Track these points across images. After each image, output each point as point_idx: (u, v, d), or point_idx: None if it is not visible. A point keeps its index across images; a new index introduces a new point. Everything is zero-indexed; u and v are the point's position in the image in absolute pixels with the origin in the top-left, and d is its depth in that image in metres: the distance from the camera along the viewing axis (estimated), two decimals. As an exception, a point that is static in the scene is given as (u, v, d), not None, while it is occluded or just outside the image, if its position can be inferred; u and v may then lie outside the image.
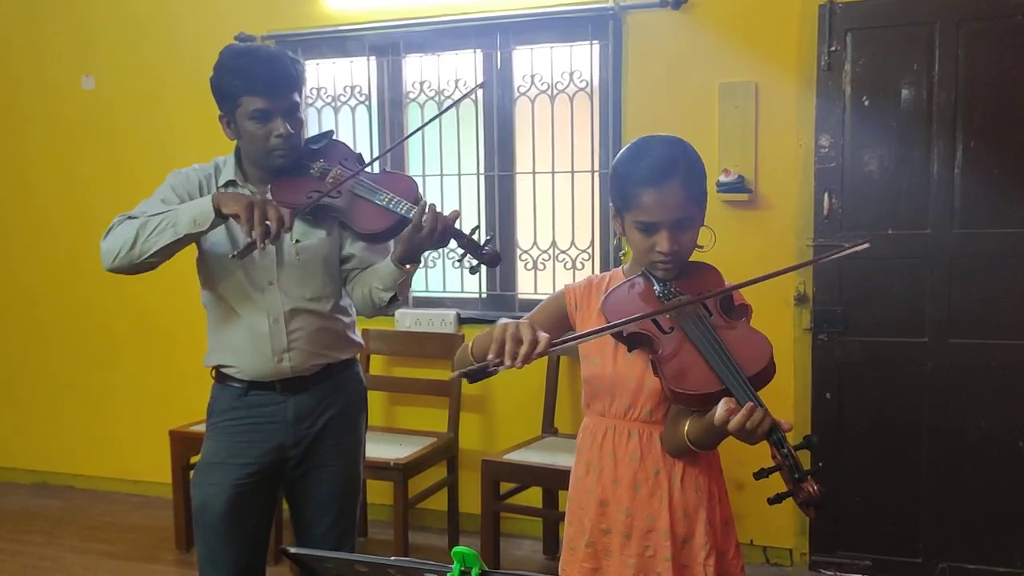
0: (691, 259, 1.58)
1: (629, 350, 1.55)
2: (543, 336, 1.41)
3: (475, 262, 2.02)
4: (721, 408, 1.35)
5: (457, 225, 1.99)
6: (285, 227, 1.87)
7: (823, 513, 1.39)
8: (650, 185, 1.50)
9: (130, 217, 1.99)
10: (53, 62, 4.17)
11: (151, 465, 4.04)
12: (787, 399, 3.23)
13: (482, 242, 2.01)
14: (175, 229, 1.92)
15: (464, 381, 1.46)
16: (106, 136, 4.10)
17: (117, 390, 4.21)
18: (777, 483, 1.35)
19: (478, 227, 2.05)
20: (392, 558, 1.06)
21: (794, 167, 3.20)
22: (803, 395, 3.24)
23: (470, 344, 1.59)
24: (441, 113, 2.35)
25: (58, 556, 3.55)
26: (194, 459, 3.46)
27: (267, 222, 1.84)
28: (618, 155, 1.61)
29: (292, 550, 1.10)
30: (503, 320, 1.47)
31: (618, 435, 1.60)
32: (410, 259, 2.03)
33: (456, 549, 1.04)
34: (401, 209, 2.00)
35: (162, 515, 3.84)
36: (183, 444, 3.49)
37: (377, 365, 3.74)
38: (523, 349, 1.39)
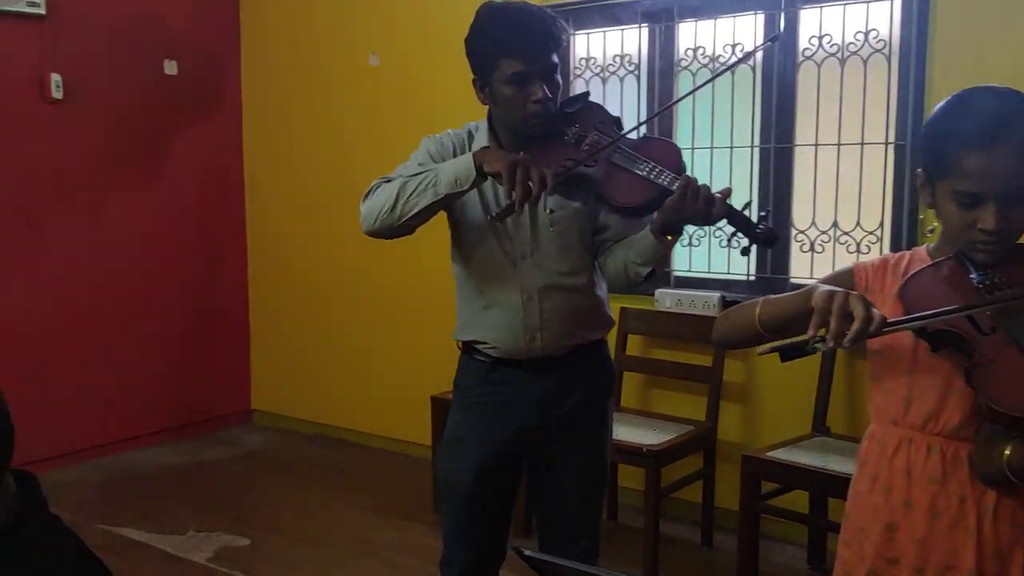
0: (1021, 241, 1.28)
1: (933, 350, 1.28)
2: (877, 315, 1.17)
3: (747, 242, 1.82)
4: None
5: (728, 202, 1.80)
6: (547, 189, 1.76)
7: None
8: (976, 147, 1.22)
9: (387, 180, 1.95)
10: (347, 42, 4.43)
11: (414, 427, 4.20)
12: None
13: (755, 219, 1.81)
14: (435, 189, 1.85)
15: (775, 359, 1.24)
16: (388, 110, 4.29)
17: (387, 352, 4.43)
18: None
19: (750, 203, 1.84)
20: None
21: None
22: None
23: (757, 307, 1.38)
24: (715, 76, 2.12)
25: (329, 505, 3.79)
26: (452, 425, 3.59)
27: (529, 182, 1.74)
28: (935, 110, 1.33)
29: (527, 553, 0.99)
30: (823, 287, 1.25)
31: (914, 449, 1.33)
32: (671, 230, 1.86)
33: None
34: (663, 180, 1.84)
35: (422, 476, 3.98)
36: (442, 410, 3.55)
37: (634, 345, 3.61)
38: (855, 327, 1.16)
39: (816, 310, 1.20)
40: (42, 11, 3.94)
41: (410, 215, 1.88)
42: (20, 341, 4.01)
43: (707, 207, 1.77)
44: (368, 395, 4.53)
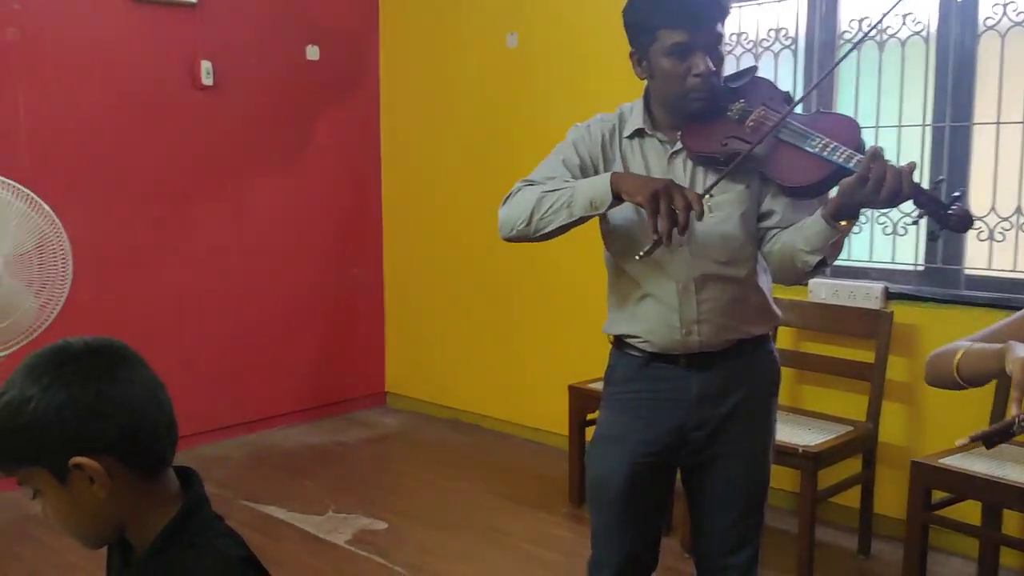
0: None
1: None
2: None
3: (937, 226, 1.62)
4: None
5: (915, 179, 1.61)
6: (696, 214, 1.63)
7: None
8: None
9: (529, 183, 1.87)
10: (484, 22, 4.37)
11: (550, 416, 4.13)
12: None
13: (947, 200, 1.61)
14: (570, 210, 1.77)
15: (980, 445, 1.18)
16: (527, 92, 4.21)
17: (525, 340, 4.37)
18: None
19: (943, 180, 1.65)
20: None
21: None
22: None
23: (957, 356, 1.23)
24: (857, 44, 1.91)
25: (464, 492, 3.77)
26: (591, 416, 3.49)
27: (674, 210, 1.62)
28: None
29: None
30: (1016, 346, 1.11)
31: None
32: (846, 214, 1.68)
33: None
34: (838, 157, 1.67)
35: (558, 466, 3.91)
36: (581, 399, 3.49)
37: (785, 338, 3.40)
38: None
39: (1015, 383, 1.07)
40: (193, -1, 4.05)
41: (545, 231, 1.81)
42: (170, 321, 4.16)
43: (893, 186, 1.59)
44: (503, 382, 4.48)
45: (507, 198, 1.90)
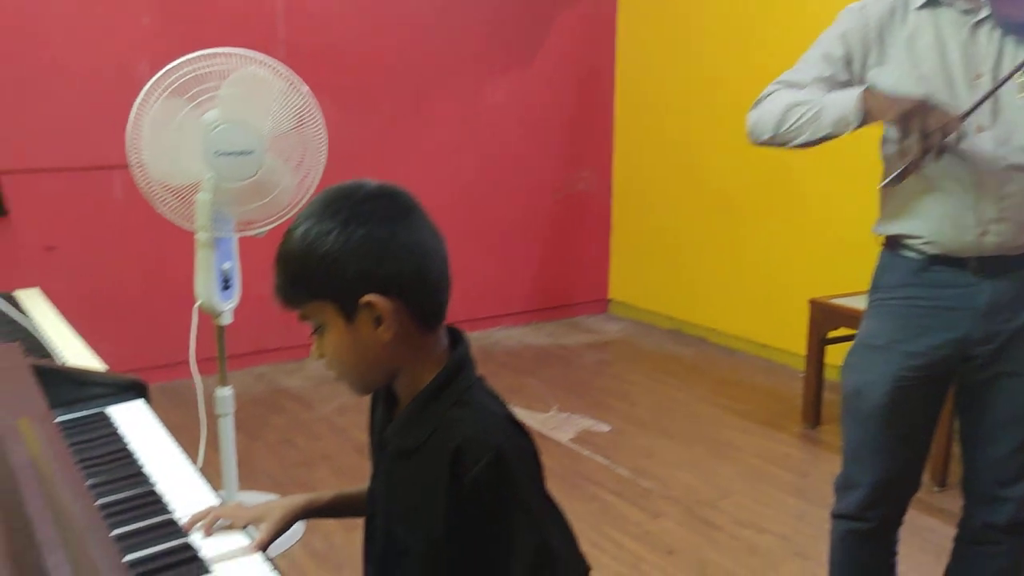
0: None
1: None
2: None
3: None
4: None
5: None
6: (951, 139, 1.47)
7: None
8: None
9: (784, 85, 1.72)
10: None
11: (784, 332, 3.92)
12: None
13: None
14: (817, 126, 1.63)
15: None
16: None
17: (758, 251, 4.14)
18: None
19: None
20: None
21: None
22: None
23: None
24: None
25: (688, 402, 3.67)
26: (832, 333, 3.25)
27: (928, 136, 1.45)
28: None
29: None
30: None
31: None
32: None
33: None
34: None
35: (789, 385, 3.71)
36: (823, 315, 3.25)
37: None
38: None
39: None
40: None
41: (792, 144, 1.69)
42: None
43: None
44: (733, 294, 4.29)
45: (758, 102, 1.76)
